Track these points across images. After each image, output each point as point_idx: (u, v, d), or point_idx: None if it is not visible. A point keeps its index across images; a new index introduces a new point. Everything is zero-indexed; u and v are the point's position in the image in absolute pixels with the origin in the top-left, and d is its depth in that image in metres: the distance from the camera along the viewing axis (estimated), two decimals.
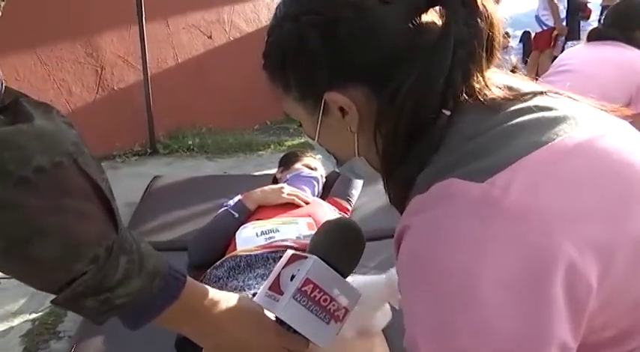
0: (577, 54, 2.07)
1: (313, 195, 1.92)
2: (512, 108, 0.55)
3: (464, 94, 0.55)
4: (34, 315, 1.87)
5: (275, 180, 2.11)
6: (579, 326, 0.46)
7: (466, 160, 0.51)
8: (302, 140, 3.74)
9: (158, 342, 1.24)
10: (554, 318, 0.45)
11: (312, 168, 2.06)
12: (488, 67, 0.58)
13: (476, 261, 0.46)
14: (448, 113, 0.55)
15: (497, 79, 0.59)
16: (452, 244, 0.47)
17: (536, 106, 0.54)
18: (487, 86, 0.56)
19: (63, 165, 0.48)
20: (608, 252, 0.47)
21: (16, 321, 1.86)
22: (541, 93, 0.57)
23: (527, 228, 0.45)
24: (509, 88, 0.58)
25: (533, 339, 0.45)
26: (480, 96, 0.55)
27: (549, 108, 0.55)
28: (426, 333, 0.48)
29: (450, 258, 0.47)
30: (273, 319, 0.66)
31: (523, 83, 0.60)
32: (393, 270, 1.11)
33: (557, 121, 0.53)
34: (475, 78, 0.55)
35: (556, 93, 0.59)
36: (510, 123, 0.53)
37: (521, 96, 0.56)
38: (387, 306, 1.09)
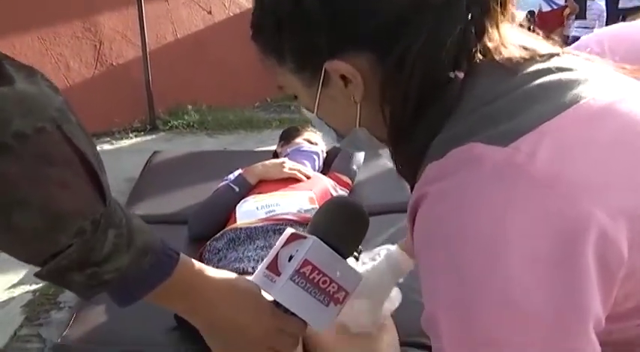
0: (604, 31, 2.03)
1: (314, 170, 1.91)
2: (531, 69, 0.52)
3: (478, 54, 0.52)
4: (34, 286, 1.89)
5: (275, 155, 2.10)
6: (610, 298, 0.44)
7: (486, 124, 0.48)
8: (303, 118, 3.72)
9: (158, 312, 1.24)
10: (589, 292, 0.42)
11: (312, 143, 2.04)
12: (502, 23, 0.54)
13: (501, 228, 0.43)
14: (461, 75, 0.52)
15: (511, 37, 0.55)
16: (475, 211, 0.44)
17: (556, 67, 0.51)
18: (503, 44, 0.53)
19: (45, 131, 0.44)
20: (638, 219, 0.44)
21: (17, 292, 1.88)
22: (558, 54, 0.54)
23: (555, 197, 0.43)
24: (525, 48, 0.55)
25: (568, 316, 0.41)
26: (495, 55, 0.52)
27: (569, 69, 0.52)
28: (446, 306, 0.44)
29: (474, 224, 0.44)
30: (270, 300, 0.64)
31: (538, 43, 0.57)
32: (392, 248, 1.08)
33: (578, 83, 0.50)
34: (490, 35, 0.52)
35: (573, 54, 0.56)
36: (531, 85, 0.50)
37: (538, 57, 0.53)
38: (396, 289, 1.06)
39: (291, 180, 1.76)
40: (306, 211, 1.59)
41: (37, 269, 0.49)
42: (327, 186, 1.80)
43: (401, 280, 1.11)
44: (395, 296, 1.07)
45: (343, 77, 0.55)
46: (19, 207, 0.44)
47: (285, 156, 1.95)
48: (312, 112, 0.62)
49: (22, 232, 0.46)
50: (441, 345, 0.45)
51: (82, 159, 0.47)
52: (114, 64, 3.60)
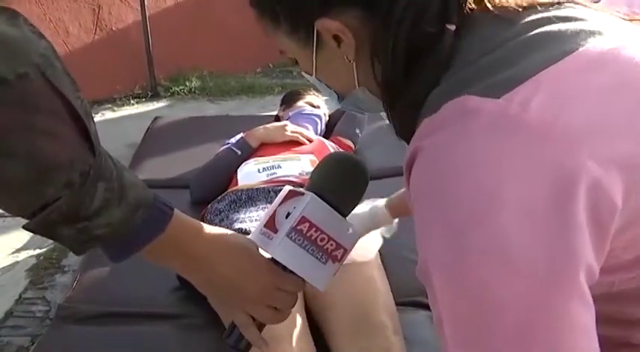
0: None
1: (316, 133, 1.90)
2: (530, 18, 0.50)
3: (470, 3, 0.50)
4: (38, 251, 1.91)
5: (277, 119, 2.08)
6: (603, 249, 0.44)
7: (481, 75, 0.47)
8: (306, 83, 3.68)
9: (161, 274, 1.24)
10: (581, 242, 0.41)
11: (314, 106, 2.02)
12: None
13: (496, 179, 0.42)
14: (453, 28, 0.50)
15: None
16: (470, 163, 0.44)
17: (556, 17, 0.50)
18: None
19: (28, 77, 0.43)
20: (636, 168, 0.44)
21: (21, 256, 1.90)
22: (558, 2, 0.53)
23: (548, 147, 0.42)
24: None
25: (559, 265, 0.41)
26: (490, 4, 0.51)
27: (569, 19, 0.50)
28: (438, 259, 0.44)
29: (468, 177, 0.43)
30: (268, 257, 0.64)
31: None
32: (380, 202, 1.13)
33: (579, 32, 0.49)
34: None
35: (576, 3, 0.54)
36: (529, 34, 0.49)
37: (538, 6, 0.52)
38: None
39: (293, 143, 1.74)
40: (307, 174, 1.58)
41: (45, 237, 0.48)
42: (329, 150, 1.78)
43: (387, 235, 1.21)
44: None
45: (335, 37, 0.54)
46: (4, 157, 0.43)
47: (286, 120, 1.93)
48: (311, 75, 0.61)
49: (8, 184, 0.44)
50: (434, 294, 0.45)
51: (68, 107, 0.46)
52: (113, 29, 3.54)
